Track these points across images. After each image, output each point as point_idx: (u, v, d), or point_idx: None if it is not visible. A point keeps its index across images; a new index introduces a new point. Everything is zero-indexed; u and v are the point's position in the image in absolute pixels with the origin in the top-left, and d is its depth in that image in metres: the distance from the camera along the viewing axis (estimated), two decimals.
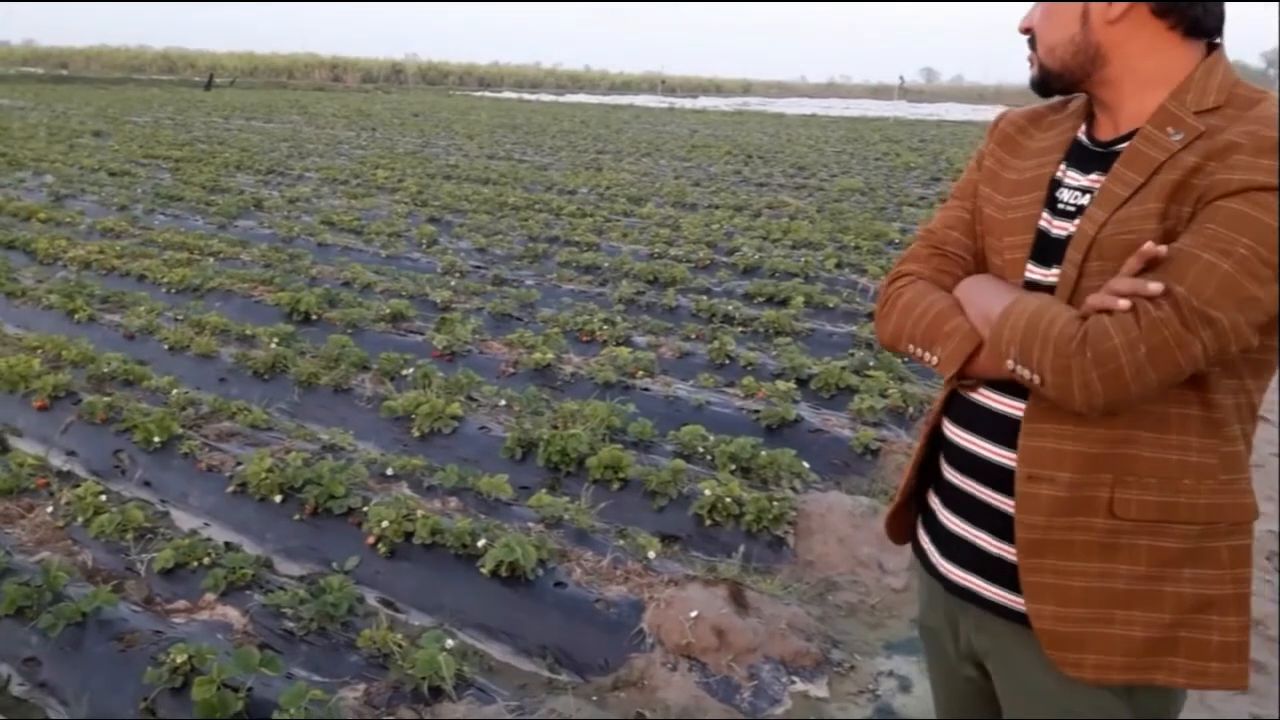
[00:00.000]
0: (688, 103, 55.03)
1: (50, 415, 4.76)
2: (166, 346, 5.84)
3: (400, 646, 2.92)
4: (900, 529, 1.68)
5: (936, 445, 1.58)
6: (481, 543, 3.38)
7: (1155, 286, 1.23)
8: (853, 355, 5.84)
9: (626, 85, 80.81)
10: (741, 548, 3.67)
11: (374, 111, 32.14)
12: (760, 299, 7.35)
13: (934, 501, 1.59)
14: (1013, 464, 1.41)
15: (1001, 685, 1.53)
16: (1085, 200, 1.40)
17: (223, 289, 7.14)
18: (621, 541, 3.60)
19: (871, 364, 5.60)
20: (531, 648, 3.17)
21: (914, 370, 5.48)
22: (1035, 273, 1.44)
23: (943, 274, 1.54)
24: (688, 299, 7.27)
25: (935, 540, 1.57)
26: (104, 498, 3.82)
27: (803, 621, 3.23)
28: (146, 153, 16.63)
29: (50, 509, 3.79)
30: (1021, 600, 1.41)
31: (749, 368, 5.57)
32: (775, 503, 3.80)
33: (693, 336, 6.33)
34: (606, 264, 8.37)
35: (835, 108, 51.07)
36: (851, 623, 3.42)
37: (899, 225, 10.69)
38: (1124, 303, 1.24)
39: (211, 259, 8.30)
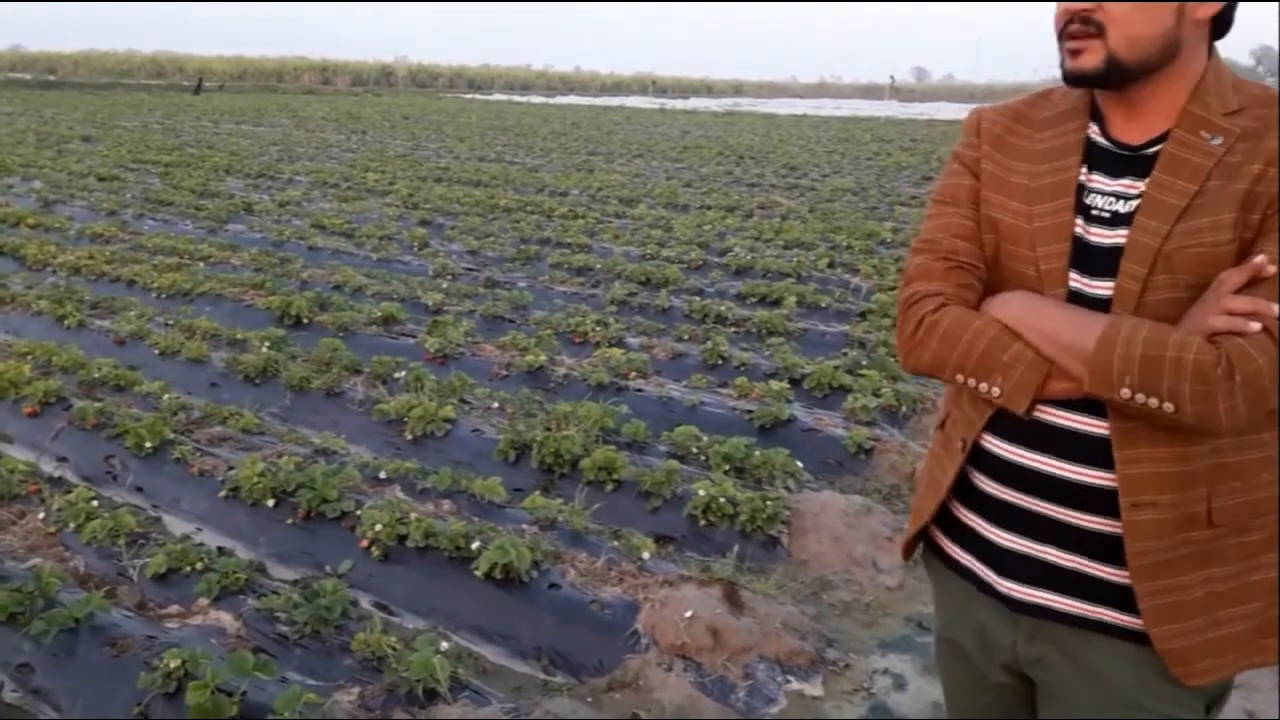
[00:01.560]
0: (679, 104, 55.09)
1: (41, 421, 4.74)
2: (157, 351, 5.83)
3: (394, 649, 2.92)
4: (913, 547, 1.66)
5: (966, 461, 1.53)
6: (475, 545, 3.38)
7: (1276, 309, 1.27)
8: (845, 355, 5.85)
9: (617, 86, 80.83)
10: (736, 547, 3.67)
11: (364, 114, 32.08)
12: (753, 299, 7.35)
13: (969, 518, 1.54)
14: (1086, 479, 1.39)
15: (1061, 691, 1.50)
16: (1121, 206, 1.38)
17: (213, 293, 7.13)
18: (616, 542, 3.61)
19: (864, 363, 5.61)
20: (526, 649, 3.17)
21: None
22: (1079, 283, 1.40)
23: (964, 289, 1.48)
24: (680, 300, 7.28)
25: (984, 559, 1.52)
26: (96, 503, 3.80)
27: (797, 621, 3.23)
28: (135, 158, 16.57)
29: (42, 515, 3.78)
30: (1093, 608, 1.42)
31: (742, 368, 5.57)
32: (769, 502, 3.80)
33: (685, 337, 6.33)
34: (599, 266, 8.37)
35: (826, 107, 51.18)
36: (846, 621, 3.42)
37: (891, 225, 10.71)
38: (1256, 325, 1.27)
39: (201, 263, 8.28)
